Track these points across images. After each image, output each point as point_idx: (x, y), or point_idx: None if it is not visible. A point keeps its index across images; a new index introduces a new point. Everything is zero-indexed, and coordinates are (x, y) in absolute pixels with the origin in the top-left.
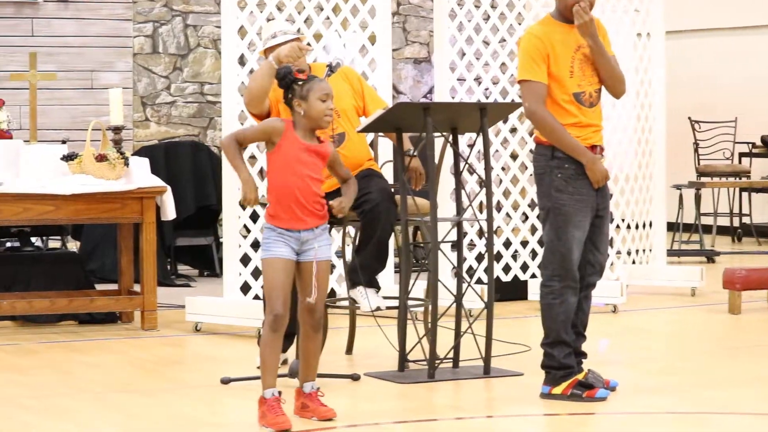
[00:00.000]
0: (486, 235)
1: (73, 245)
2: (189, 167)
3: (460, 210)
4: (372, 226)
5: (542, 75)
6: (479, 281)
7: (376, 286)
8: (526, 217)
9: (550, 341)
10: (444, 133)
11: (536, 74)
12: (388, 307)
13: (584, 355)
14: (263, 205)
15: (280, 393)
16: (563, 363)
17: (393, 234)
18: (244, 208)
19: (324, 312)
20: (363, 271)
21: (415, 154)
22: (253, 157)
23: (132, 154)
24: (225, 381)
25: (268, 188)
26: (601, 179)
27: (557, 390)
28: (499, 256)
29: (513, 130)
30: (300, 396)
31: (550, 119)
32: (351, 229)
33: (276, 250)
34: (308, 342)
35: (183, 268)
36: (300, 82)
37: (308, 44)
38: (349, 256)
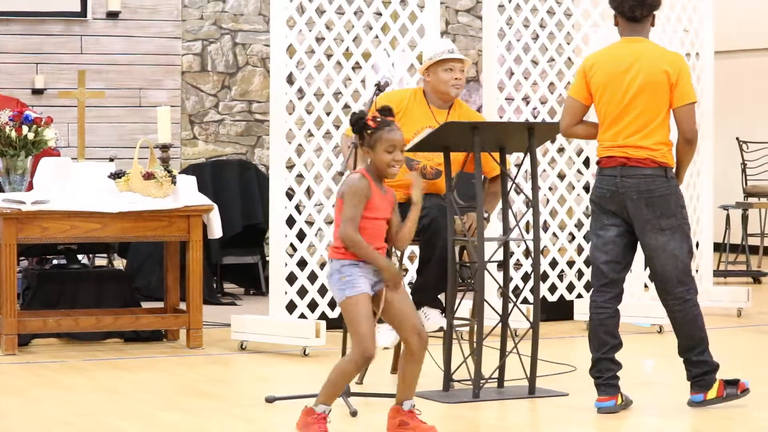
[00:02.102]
0: (532, 254)
1: (120, 263)
2: (236, 186)
3: (506, 229)
4: (432, 242)
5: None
6: (525, 301)
7: (439, 307)
8: (573, 237)
9: (703, 349)
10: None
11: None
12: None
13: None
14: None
15: (330, 411)
16: (713, 365)
17: None
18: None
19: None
20: (426, 290)
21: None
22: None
23: (179, 173)
24: (270, 400)
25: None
26: None
27: (711, 394)
28: (545, 276)
29: (560, 150)
30: (398, 414)
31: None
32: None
33: (363, 287)
34: (412, 364)
35: (229, 287)
36: (370, 131)
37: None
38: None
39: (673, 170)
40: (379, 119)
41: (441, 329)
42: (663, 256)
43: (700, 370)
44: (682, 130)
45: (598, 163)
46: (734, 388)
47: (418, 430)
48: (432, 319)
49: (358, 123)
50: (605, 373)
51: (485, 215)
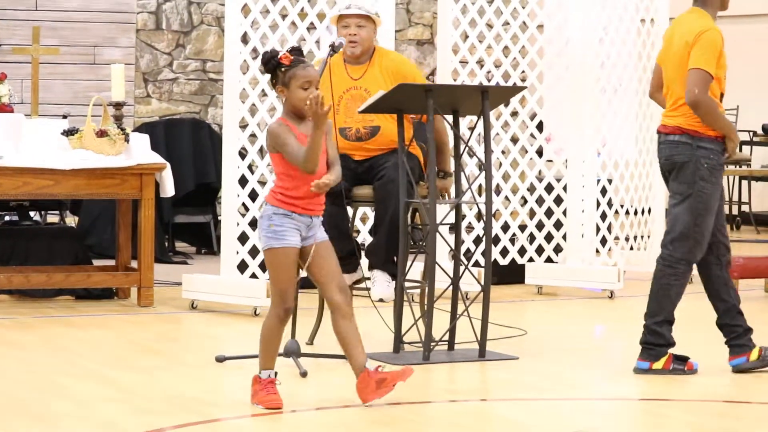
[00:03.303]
0: (484, 217)
1: (72, 220)
2: (189, 144)
3: (459, 192)
4: (385, 202)
5: (714, 71)
6: (477, 264)
7: (391, 272)
8: (525, 201)
9: (660, 320)
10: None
11: (713, 68)
12: None
13: (751, 330)
14: None
15: (276, 374)
16: (670, 340)
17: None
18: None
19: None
20: (378, 252)
21: (448, 174)
22: (253, 135)
23: (132, 131)
24: (220, 359)
25: (286, 181)
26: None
27: (658, 365)
28: (497, 240)
29: (514, 114)
30: (369, 377)
31: (715, 107)
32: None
33: (291, 239)
34: (344, 320)
35: (181, 246)
36: (283, 68)
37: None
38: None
39: (712, 139)
40: (292, 57)
41: (381, 300)
42: (668, 216)
43: (652, 339)
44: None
45: None
46: (682, 365)
47: (395, 376)
48: (376, 286)
49: (271, 62)
50: (729, 336)
51: (445, 175)
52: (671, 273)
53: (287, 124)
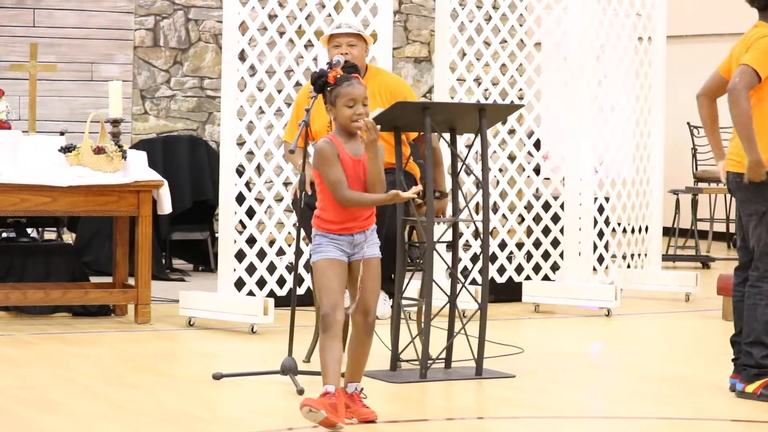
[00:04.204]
0: (481, 236)
1: (69, 237)
2: (186, 162)
3: (456, 210)
4: (380, 220)
5: (764, 74)
6: (474, 282)
7: (388, 291)
8: (522, 219)
9: (750, 341)
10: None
11: (763, 71)
12: None
13: None
14: None
15: (335, 388)
16: (760, 363)
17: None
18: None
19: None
20: None
21: (444, 195)
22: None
23: (130, 147)
24: (217, 377)
25: (322, 200)
26: (753, 177)
27: (749, 389)
28: (494, 258)
29: (511, 132)
30: (342, 396)
31: (747, 106)
32: None
33: (328, 253)
34: (359, 345)
35: (178, 263)
36: (329, 87)
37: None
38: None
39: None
40: (338, 75)
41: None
42: (749, 237)
43: (744, 360)
44: None
45: None
46: None
47: (358, 413)
48: None
49: (318, 81)
50: (737, 355)
51: (441, 195)
52: (756, 292)
53: (335, 143)
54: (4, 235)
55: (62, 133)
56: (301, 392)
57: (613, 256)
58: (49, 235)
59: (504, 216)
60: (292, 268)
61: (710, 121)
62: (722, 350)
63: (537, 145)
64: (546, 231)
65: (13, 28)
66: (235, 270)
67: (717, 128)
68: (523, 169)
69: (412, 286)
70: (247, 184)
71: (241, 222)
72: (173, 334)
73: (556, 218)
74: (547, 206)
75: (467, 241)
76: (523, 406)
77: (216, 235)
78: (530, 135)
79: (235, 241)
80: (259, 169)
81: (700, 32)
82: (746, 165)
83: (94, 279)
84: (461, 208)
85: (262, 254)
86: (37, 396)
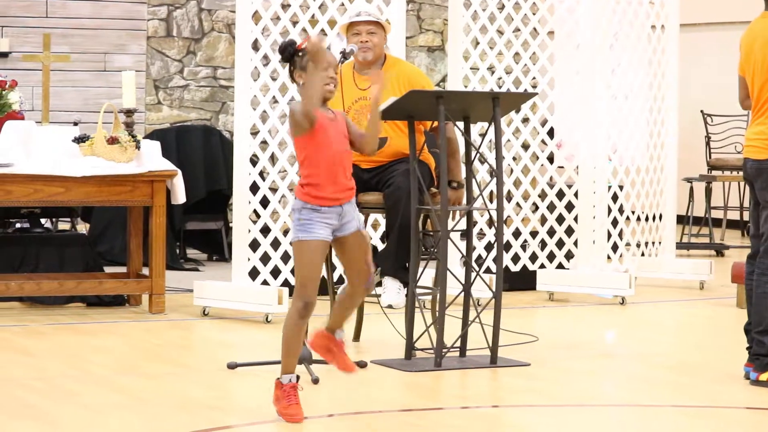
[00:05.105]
0: (495, 224)
1: (83, 227)
2: (200, 151)
3: (470, 199)
4: (395, 209)
5: None
6: (488, 271)
7: (402, 280)
8: (536, 207)
9: (761, 329)
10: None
11: None
12: None
13: None
14: None
15: (298, 378)
16: None
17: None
18: None
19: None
20: (388, 258)
21: (461, 185)
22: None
23: (143, 138)
24: (231, 366)
25: (309, 168)
26: None
27: (763, 377)
28: (508, 246)
29: (525, 120)
30: (327, 339)
31: None
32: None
33: (318, 232)
34: (354, 298)
35: (192, 252)
36: (300, 53)
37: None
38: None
39: None
40: (308, 42)
41: (389, 307)
42: (751, 222)
43: (757, 348)
44: None
45: None
46: None
47: (340, 361)
48: (387, 294)
49: (288, 49)
50: (751, 344)
51: (458, 185)
52: (766, 281)
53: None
54: (18, 225)
55: (76, 124)
56: (316, 381)
57: (627, 244)
58: (63, 225)
59: (518, 204)
60: None
61: None
62: (736, 338)
63: (551, 133)
64: (560, 219)
65: (26, 18)
66: (249, 259)
67: None
68: (537, 158)
69: (427, 275)
70: (261, 174)
71: (255, 211)
72: (188, 324)
73: (570, 206)
74: (561, 194)
75: (481, 229)
76: (537, 394)
77: (230, 224)
78: (544, 123)
79: (249, 231)
80: (272, 159)
81: (714, 20)
82: None
83: (108, 269)
84: (475, 196)
85: (276, 243)
86: (52, 386)
